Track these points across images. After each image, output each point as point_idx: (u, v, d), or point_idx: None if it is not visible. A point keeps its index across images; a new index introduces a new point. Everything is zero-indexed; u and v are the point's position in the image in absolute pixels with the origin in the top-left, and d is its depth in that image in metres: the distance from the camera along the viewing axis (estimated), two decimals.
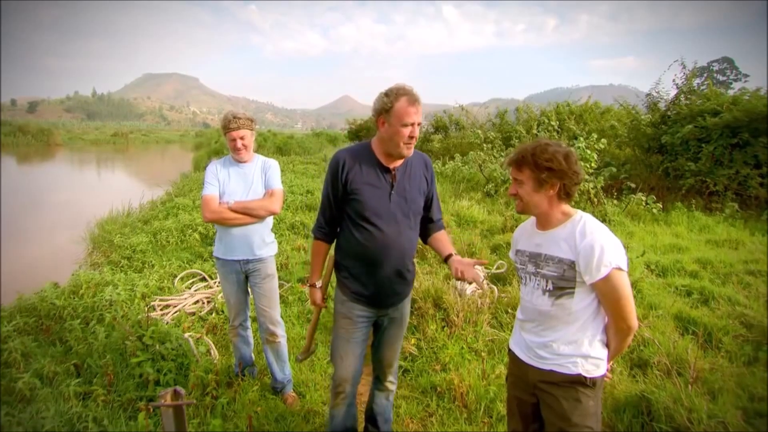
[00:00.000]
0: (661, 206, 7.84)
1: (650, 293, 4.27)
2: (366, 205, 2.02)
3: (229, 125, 2.69)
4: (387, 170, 2.05)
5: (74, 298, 3.82)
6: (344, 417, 2.28)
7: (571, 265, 1.59)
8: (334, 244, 2.24)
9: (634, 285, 4.30)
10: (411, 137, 1.96)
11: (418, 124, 1.97)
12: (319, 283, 2.28)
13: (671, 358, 3.04)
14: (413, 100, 1.93)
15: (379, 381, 2.38)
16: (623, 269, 1.55)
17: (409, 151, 2.01)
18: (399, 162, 2.07)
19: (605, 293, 1.57)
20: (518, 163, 1.65)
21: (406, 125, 1.92)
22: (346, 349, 2.17)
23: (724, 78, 47.01)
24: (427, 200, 2.18)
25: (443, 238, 2.25)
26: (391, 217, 2.03)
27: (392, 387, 2.40)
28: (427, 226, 2.24)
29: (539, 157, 1.59)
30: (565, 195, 1.63)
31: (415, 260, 2.26)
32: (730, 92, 10.11)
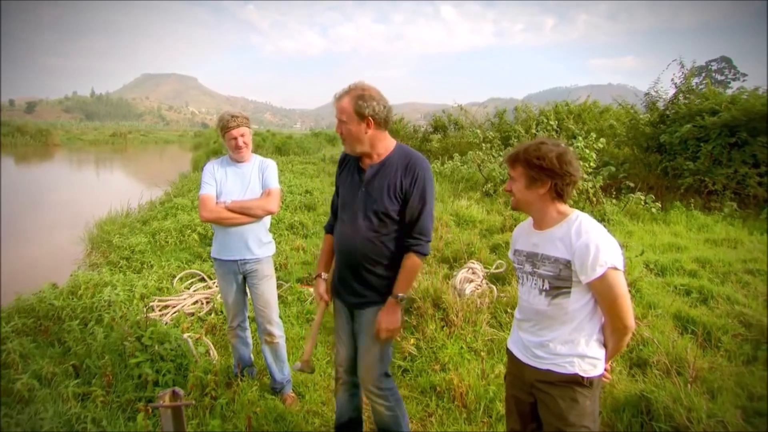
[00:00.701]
0: (660, 205, 7.84)
1: (649, 292, 4.27)
2: (340, 199, 2.17)
3: (228, 124, 2.69)
4: (360, 168, 2.09)
5: (73, 298, 3.81)
6: (346, 406, 2.32)
7: (567, 264, 1.59)
8: None
9: (633, 284, 4.30)
10: (337, 132, 2.04)
11: (339, 121, 1.99)
12: (324, 275, 2.25)
13: (670, 357, 3.04)
14: (336, 95, 2.01)
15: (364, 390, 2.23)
16: (619, 269, 1.55)
17: (345, 148, 2.08)
18: (377, 161, 2.05)
19: (601, 293, 1.58)
20: (512, 160, 1.69)
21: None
22: (336, 337, 2.30)
23: (723, 77, 47.09)
24: (405, 205, 2.00)
25: (403, 269, 2.04)
26: (353, 212, 2.06)
27: (382, 410, 2.16)
28: (403, 243, 2.04)
29: (531, 155, 1.62)
30: (557, 195, 1.64)
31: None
32: (729, 92, 10.12)
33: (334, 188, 2.27)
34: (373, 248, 2.03)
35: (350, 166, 2.14)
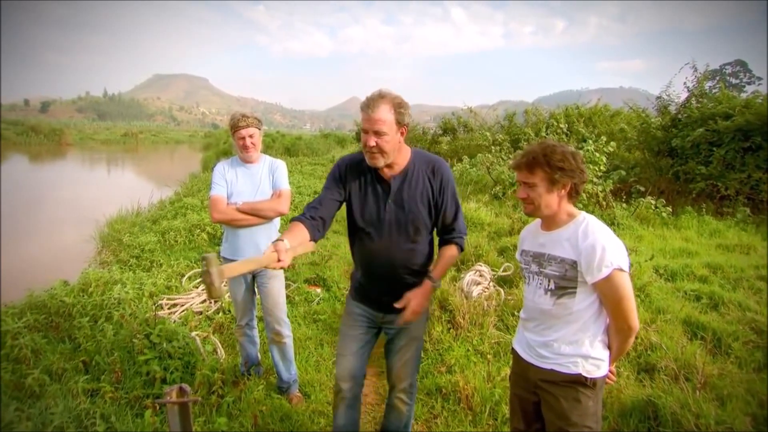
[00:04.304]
0: (671, 210, 7.77)
1: (659, 297, 4.23)
2: (361, 215, 1.99)
3: (237, 124, 2.71)
4: (382, 179, 1.97)
5: (83, 295, 3.85)
6: (344, 420, 2.19)
7: (573, 265, 1.60)
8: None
9: (642, 289, 4.26)
10: (368, 146, 1.84)
11: (376, 133, 1.81)
12: (287, 241, 1.70)
13: (679, 363, 3.01)
14: (366, 104, 1.83)
15: (389, 394, 2.26)
16: (624, 270, 1.56)
17: (373, 162, 1.88)
18: (398, 170, 1.96)
19: (606, 293, 1.58)
20: (530, 165, 1.63)
21: (362, 131, 1.88)
22: (344, 346, 2.14)
23: (737, 81, 46.39)
24: (437, 210, 1.99)
25: (443, 256, 2.07)
26: (385, 227, 1.96)
27: (404, 407, 2.20)
28: (441, 238, 2.09)
29: (551, 157, 1.59)
30: (576, 194, 1.65)
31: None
32: (743, 95, 9.99)
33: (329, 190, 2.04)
34: (411, 258, 2.00)
35: (365, 177, 2.00)
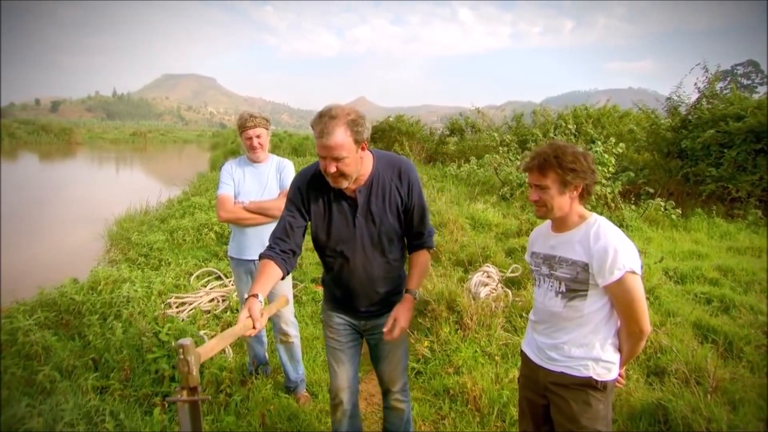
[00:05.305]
0: (681, 212, 7.69)
1: (668, 300, 4.19)
2: (327, 235, 1.88)
3: (245, 124, 2.72)
4: (346, 195, 1.85)
5: (93, 293, 3.88)
6: (347, 430, 2.14)
7: (585, 267, 1.59)
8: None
9: (652, 291, 4.22)
10: (329, 172, 1.69)
11: (334, 159, 1.65)
12: (261, 297, 1.68)
13: (689, 366, 2.97)
14: (318, 131, 1.64)
15: (385, 398, 2.21)
16: (637, 273, 1.54)
17: (337, 185, 1.75)
18: (362, 180, 1.83)
19: (618, 296, 1.57)
20: (541, 168, 1.61)
21: (319, 156, 1.71)
22: (335, 358, 2.08)
23: (749, 82, 45.78)
24: (407, 215, 1.91)
25: (417, 265, 2.00)
26: (358, 245, 1.86)
27: (402, 405, 2.17)
28: (410, 243, 2.02)
29: (562, 159, 1.57)
30: (587, 195, 1.64)
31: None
32: (755, 96, 9.87)
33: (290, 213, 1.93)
34: (388, 269, 1.95)
35: (327, 194, 1.86)
